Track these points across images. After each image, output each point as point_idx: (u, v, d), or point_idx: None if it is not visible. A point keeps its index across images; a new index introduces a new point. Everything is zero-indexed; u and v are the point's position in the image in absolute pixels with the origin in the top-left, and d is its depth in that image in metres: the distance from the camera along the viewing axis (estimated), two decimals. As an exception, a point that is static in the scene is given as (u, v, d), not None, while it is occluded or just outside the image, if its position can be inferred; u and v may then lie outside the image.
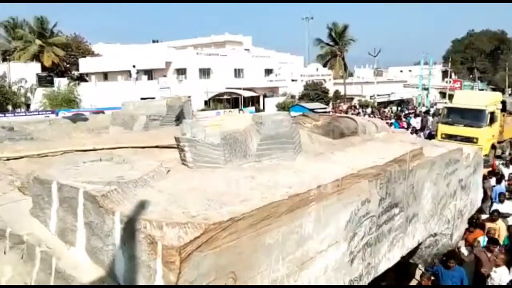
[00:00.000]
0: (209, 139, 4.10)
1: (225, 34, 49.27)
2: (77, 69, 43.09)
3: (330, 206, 3.89)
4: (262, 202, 3.20)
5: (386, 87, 47.62)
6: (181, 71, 37.28)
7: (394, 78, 55.39)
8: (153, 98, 15.58)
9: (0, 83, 32.13)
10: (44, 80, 33.65)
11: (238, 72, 40.81)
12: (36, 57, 39.79)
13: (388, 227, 4.96)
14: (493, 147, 17.40)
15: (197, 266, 2.71)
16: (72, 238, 3.27)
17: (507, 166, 13.82)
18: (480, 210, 8.88)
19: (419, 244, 6.10)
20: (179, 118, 6.89)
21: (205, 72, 38.38)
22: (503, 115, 18.11)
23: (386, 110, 39.50)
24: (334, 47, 51.64)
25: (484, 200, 9.02)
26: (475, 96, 20.20)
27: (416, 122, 24.90)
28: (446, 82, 51.88)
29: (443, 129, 17.50)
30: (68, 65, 44.06)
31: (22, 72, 33.73)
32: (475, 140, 15.98)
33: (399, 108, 41.98)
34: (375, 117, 26.49)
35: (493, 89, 50.44)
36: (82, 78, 41.24)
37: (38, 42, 40.29)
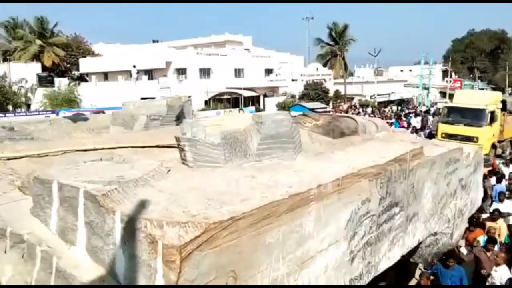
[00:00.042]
0: (210, 139, 4.10)
1: (225, 34, 49.27)
2: (78, 69, 43.11)
3: (330, 205, 3.90)
4: (263, 202, 3.20)
5: (386, 86, 47.62)
6: (181, 71, 37.28)
7: (394, 78, 55.38)
8: (153, 98, 15.58)
9: (0, 83, 32.17)
10: (45, 80, 33.69)
11: (238, 72, 40.81)
12: (37, 57, 39.81)
13: (389, 226, 4.96)
14: (494, 146, 17.40)
15: (198, 265, 2.71)
16: (72, 238, 3.27)
17: (507, 165, 13.83)
18: (481, 210, 8.89)
19: (420, 243, 6.10)
20: (179, 118, 6.89)
21: (205, 72, 38.38)
22: (503, 115, 18.12)
23: (387, 109, 39.56)
24: (334, 47, 51.61)
25: (484, 199, 9.02)
26: (475, 95, 20.19)
27: (416, 122, 24.94)
28: (447, 81, 51.93)
29: (444, 128, 17.50)
30: (68, 65, 44.08)
31: (23, 72, 33.77)
32: (475, 140, 15.98)
33: (400, 108, 42.04)
34: (375, 116, 26.52)
35: (493, 89, 50.44)
36: (82, 78, 41.27)
37: (38, 42, 40.31)
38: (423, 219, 5.82)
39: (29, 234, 3.35)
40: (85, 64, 41.76)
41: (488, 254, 6.99)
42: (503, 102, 18.39)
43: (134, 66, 34.55)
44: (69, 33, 45.89)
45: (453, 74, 57.57)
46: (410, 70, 61.52)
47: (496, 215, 8.53)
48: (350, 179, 4.16)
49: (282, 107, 35.36)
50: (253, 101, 40.22)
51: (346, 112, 32.95)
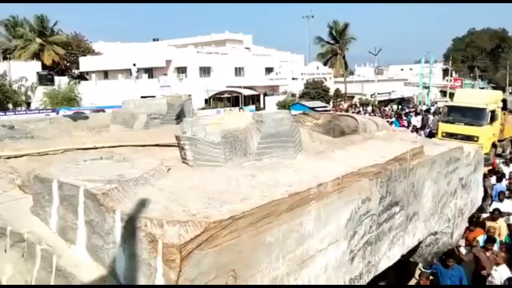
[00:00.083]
0: (210, 138, 4.10)
1: (225, 33, 49.24)
2: (78, 68, 43.08)
3: (330, 204, 3.89)
4: (263, 201, 3.20)
5: (386, 85, 47.58)
6: (181, 70, 37.30)
7: (394, 77, 55.32)
8: (154, 96, 15.57)
9: (0, 82, 32.19)
10: (45, 79, 33.64)
11: (238, 71, 40.81)
12: (37, 55, 39.75)
13: (389, 225, 4.96)
14: (494, 145, 17.39)
15: (198, 264, 2.71)
16: (72, 236, 3.27)
17: (507, 164, 13.83)
18: (481, 209, 8.88)
19: (420, 243, 6.10)
20: (179, 117, 6.89)
21: (205, 71, 38.38)
22: (504, 114, 18.11)
23: (387, 108, 39.52)
24: (335, 46, 51.56)
25: (484, 199, 9.01)
26: (475, 94, 20.15)
27: (416, 121, 24.91)
28: (447, 80, 51.93)
29: (444, 127, 17.49)
30: (68, 64, 44.02)
31: (23, 71, 33.76)
32: (475, 139, 15.97)
33: (400, 107, 42.02)
34: (375, 115, 26.51)
35: (494, 88, 50.38)
36: (82, 76, 41.26)
37: (38, 40, 40.24)
38: (423, 218, 5.82)
39: (29, 233, 3.35)
40: (85, 63, 41.73)
41: (488, 253, 6.99)
42: (504, 101, 18.38)
43: (134, 65, 34.53)
44: (69, 31, 45.91)
45: (453, 73, 57.60)
46: (411, 69, 61.47)
47: (496, 214, 8.52)
48: (350, 178, 4.15)
49: (282, 106, 35.35)
50: (253, 100, 40.21)
51: (347, 111, 32.91)
